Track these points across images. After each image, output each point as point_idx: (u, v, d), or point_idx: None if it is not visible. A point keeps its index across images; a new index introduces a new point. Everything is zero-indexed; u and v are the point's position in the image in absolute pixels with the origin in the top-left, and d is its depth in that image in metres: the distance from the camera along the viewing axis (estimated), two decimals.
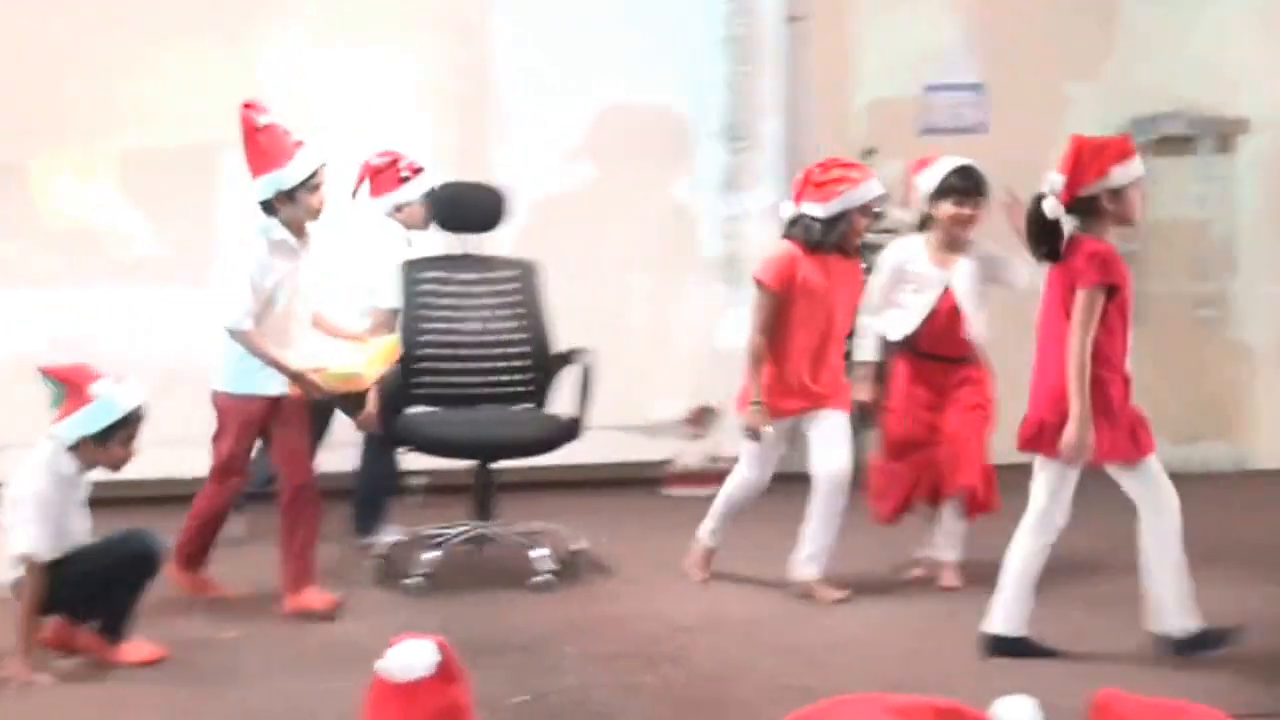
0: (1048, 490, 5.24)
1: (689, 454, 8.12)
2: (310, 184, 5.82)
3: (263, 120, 5.77)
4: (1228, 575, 6.19)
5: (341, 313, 6.43)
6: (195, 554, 6.11)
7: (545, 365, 6.69)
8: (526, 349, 6.67)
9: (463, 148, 8.14)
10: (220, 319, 5.81)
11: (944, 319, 6.31)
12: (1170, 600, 5.23)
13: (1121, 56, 8.91)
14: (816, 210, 6.07)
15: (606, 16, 8.15)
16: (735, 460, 6.39)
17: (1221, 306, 9.02)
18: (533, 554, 6.37)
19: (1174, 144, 9.00)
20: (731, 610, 6.01)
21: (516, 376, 6.67)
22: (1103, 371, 5.09)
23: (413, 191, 6.88)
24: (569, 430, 6.50)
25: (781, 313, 6.08)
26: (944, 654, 5.42)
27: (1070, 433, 5.05)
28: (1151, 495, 5.22)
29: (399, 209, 6.91)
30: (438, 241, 6.77)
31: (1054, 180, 5.13)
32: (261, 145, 5.79)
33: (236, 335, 5.80)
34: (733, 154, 8.38)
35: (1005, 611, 5.30)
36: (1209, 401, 9.05)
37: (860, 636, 5.69)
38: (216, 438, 6.03)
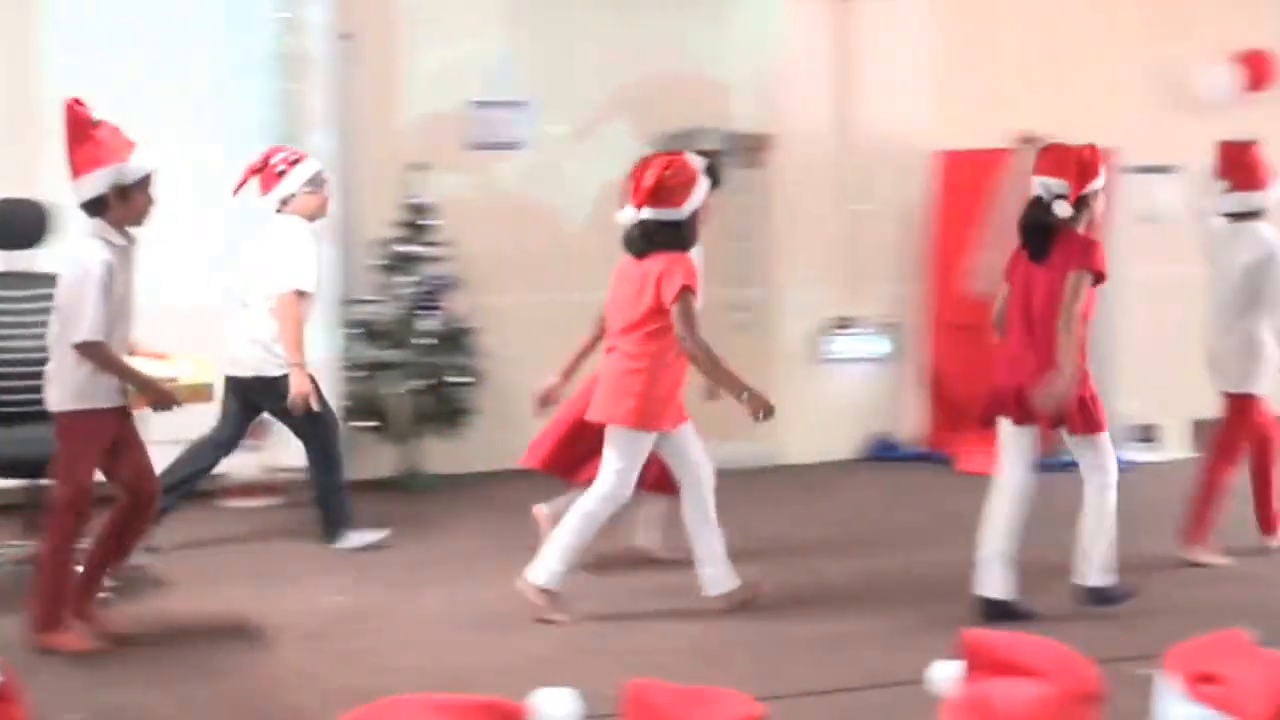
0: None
1: (246, 466, 8.11)
2: (146, 183, 5.58)
3: (96, 116, 5.51)
4: (761, 559, 6.67)
5: (258, 302, 6.86)
6: (76, 601, 5.71)
7: None
8: None
9: (11, 164, 7.88)
10: (70, 335, 5.46)
11: None
12: (1095, 557, 6.00)
13: (659, 73, 9.27)
14: (673, 215, 5.99)
15: (156, 32, 8.06)
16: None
17: (754, 311, 9.48)
18: None
19: (708, 158, 9.46)
20: (291, 620, 6.11)
21: None
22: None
23: (291, 185, 7.01)
24: None
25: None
26: (497, 648, 5.71)
27: (1056, 383, 5.69)
28: (1098, 465, 6.00)
29: (284, 202, 7.03)
30: None
31: (1051, 186, 5.81)
32: (97, 139, 5.49)
33: (88, 349, 5.44)
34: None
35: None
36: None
37: (419, 637, 5.91)
38: (63, 466, 5.61)
